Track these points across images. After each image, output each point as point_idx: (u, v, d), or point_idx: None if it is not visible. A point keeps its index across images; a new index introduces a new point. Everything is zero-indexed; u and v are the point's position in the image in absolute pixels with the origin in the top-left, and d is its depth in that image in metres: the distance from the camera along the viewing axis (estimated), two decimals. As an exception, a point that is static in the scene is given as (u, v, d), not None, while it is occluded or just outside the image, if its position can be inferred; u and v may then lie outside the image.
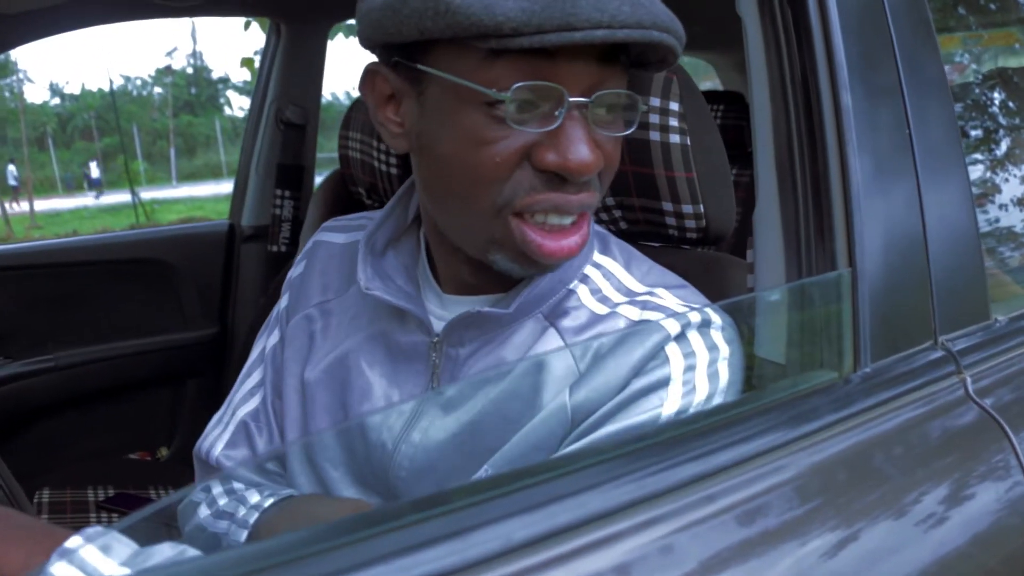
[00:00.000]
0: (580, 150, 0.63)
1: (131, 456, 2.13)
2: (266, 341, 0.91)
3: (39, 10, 1.51)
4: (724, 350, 0.70)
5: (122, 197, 18.28)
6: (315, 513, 0.76)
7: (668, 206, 1.00)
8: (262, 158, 2.15)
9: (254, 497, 0.84)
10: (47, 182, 23.37)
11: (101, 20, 1.79)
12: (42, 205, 19.41)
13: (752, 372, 0.73)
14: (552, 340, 0.73)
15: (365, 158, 1.57)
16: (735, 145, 2.31)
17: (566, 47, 0.60)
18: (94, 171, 21.65)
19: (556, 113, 0.63)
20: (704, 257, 1.02)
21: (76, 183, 24.58)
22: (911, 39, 0.80)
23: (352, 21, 2.38)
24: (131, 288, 2.06)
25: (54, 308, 1.97)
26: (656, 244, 1.09)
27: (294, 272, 0.92)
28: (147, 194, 18.40)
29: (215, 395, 2.16)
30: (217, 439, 0.90)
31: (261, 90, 2.14)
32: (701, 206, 0.99)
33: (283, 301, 0.91)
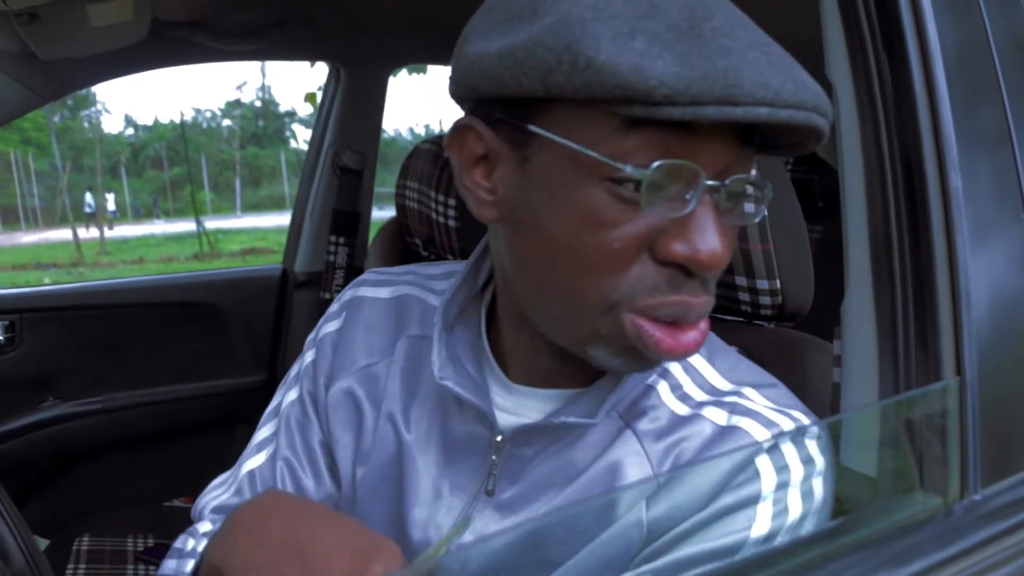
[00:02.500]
0: (712, 240, 0.54)
1: (175, 502, 2.10)
2: (283, 396, 0.83)
3: (104, 54, 1.51)
4: (819, 463, 0.61)
5: (188, 226, 18.73)
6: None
7: (742, 281, 0.93)
8: (317, 203, 2.13)
9: (204, 527, 0.78)
10: (118, 209, 24.07)
11: (164, 64, 1.79)
12: (112, 232, 19.99)
13: (841, 485, 0.65)
14: (629, 444, 0.65)
15: (423, 208, 1.52)
16: (804, 200, 2.22)
17: (711, 124, 0.52)
18: (111, 203, 22.10)
19: (687, 196, 0.53)
20: (781, 337, 0.94)
21: (146, 211, 25.30)
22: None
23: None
24: (182, 331, 2.04)
25: (105, 350, 1.97)
26: (728, 318, 1.01)
27: (327, 327, 0.82)
28: (212, 223, 18.84)
29: (262, 442, 2.12)
30: (215, 498, 0.83)
31: (319, 134, 2.12)
32: (778, 281, 0.91)
33: (309, 356, 0.82)
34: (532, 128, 0.56)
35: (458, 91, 0.60)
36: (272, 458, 0.81)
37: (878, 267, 0.66)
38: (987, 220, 0.66)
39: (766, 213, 0.89)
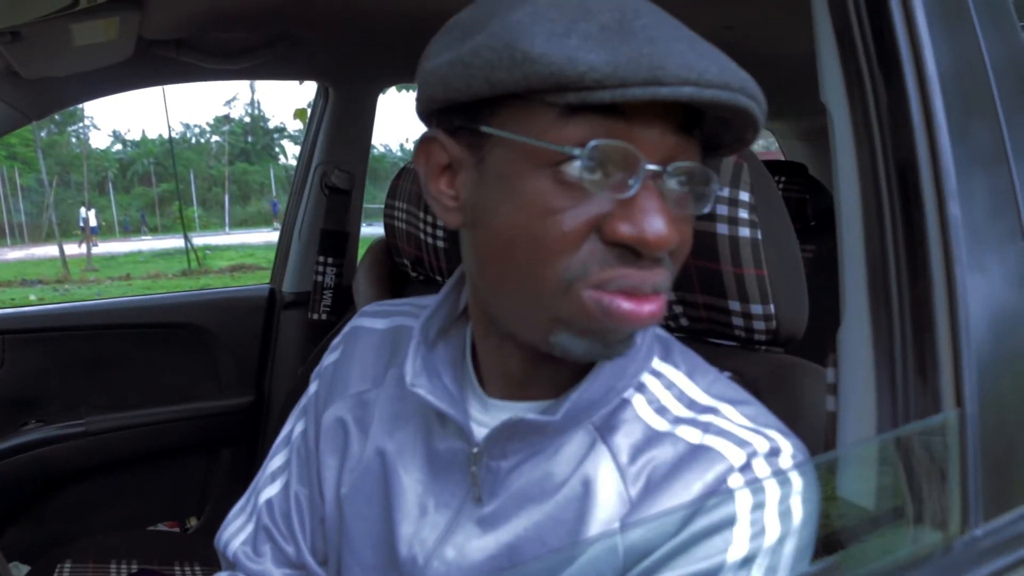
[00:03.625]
0: (656, 222, 0.56)
1: (160, 526, 2.07)
2: (293, 425, 0.88)
3: (89, 72, 1.50)
4: (796, 482, 0.61)
5: (176, 242, 18.68)
6: None
7: (735, 305, 0.91)
8: (305, 223, 2.12)
9: None
10: (106, 226, 24.00)
11: (150, 83, 1.79)
12: (99, 248, 19.91)
13: (832, 515, 0.63)
14: (601, 457, 0.66)
15: (411, 229, 1.51)
16: (798, 219, 2.23)
17: (644, 110, 0.56)
18: (92, 219, 22.05)
19: (630, 182, 0.57)
20: (775, 362, 0.92)
21: (133, 227, 25.23)
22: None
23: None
24: (167, 353, 2.02)
25: (88, 371, 1.95)
26: (721, 343, 1.00)
27: (328, 359, 0.86)
28: (200, 239, 18.80)
29: (249, 465, 2.10)
30: (238, 531, 0.87)
31: (307, 153, 2.11)
32: (772, 306, 0.90)
33: (312, 387, 0.86)
34: (484, 128, 0.60)
35: (420, 107, 0.65)
36: (286, 488, 0.85)
37: (875, 296, 0.65)
38: (986, 246, 0.65)
39: (760, 237, 0.88)
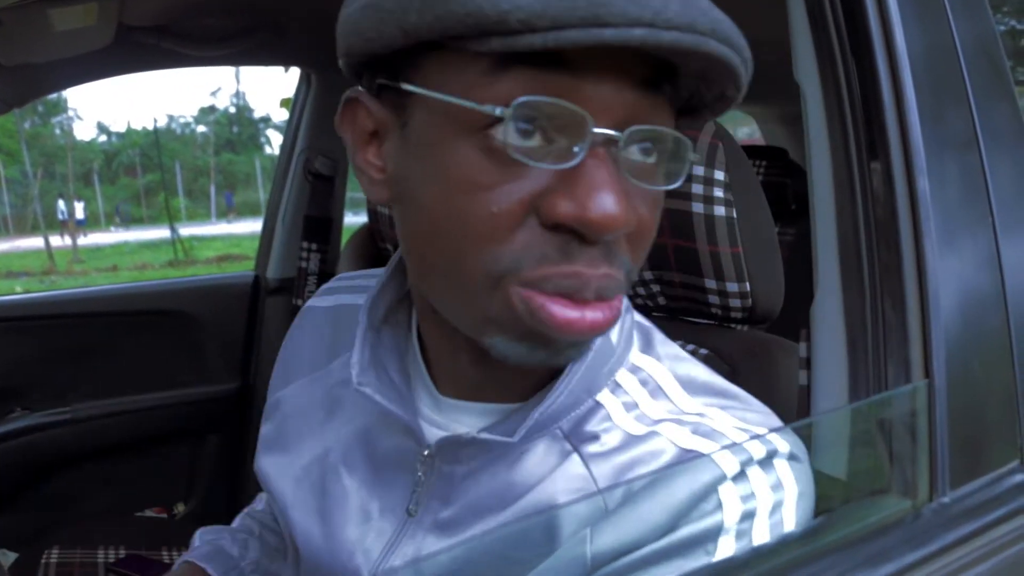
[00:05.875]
0: (604, 198, 0.45)
1: (147, 512, 2.07)
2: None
3: (69, 59, 1.49)
4: (792, 488, 0.54)
5: (162, 233, 18.57)
6: None
7: (711, 283, 0.93)
8: (289, 209, 2.11)
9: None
10: (91, 217, 23.84)
11: (131, 69, 1.77)
12: (86, 239, 19.78)
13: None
14: (574, 468, 0.57)
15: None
16: (777, 203, 2.24)
17: (596, 61, 0.45)
18: (79, 211, 21.89)
19: (575, 149, 0.46)
20: (750, 339, 0.94)
21: (107, 218, 25.01)
22: (995, 117, 0.72)
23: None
24: (152, 340, 2.01)
25: (73, 359, 1.94)
26: (698, 321, 1.01)
27: (284, 343, 0.78)
28: (186, 230, 18.70)
29: (236, 451, 2.11)
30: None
31: (290, 140, 2.11)
32: (747, 284, 0.91)
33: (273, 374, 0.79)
34: (405, 86, 0.50)
35: (342, 63, 0.55)
36: None
37: (847, 272, 0.66)
38: (955, 224, 0.66)
39: (735, 216, 0.89)
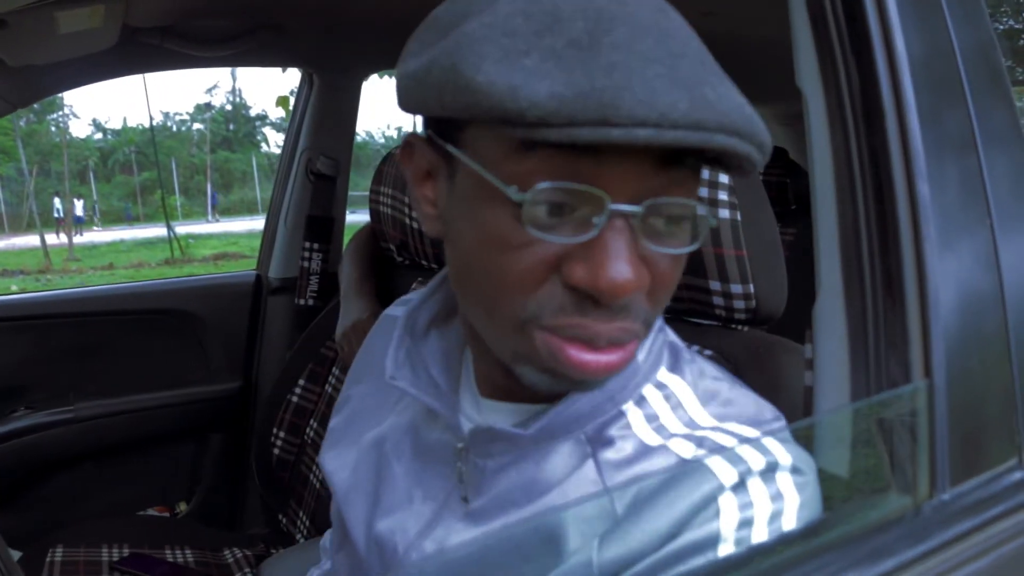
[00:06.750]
0: (615, 268, 0.50)
1: (150, 511, 2.08)
2: None
3: (73, 60, 1.50)
4: (793, 499, 0.57)
5: (158, 231, 18.55)
6: None
7: (716, 285, 0.94)
8: (291, 209, 2.12)
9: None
10: (87, 215, 23.78)
11: (135, 70, 1.78)
12: (82, 237, 19.74)
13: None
14: (588, 470, 0.62)
15: (396, 214, 1.53)
16: (778, 202, 2.26)
17: (612, 146, 0.49)
18: (78, 209, 21.88)
19: (594, 221, 0.51)
20: (755, 340, 0.95)
21: (87, 218, 24.94)
22: (993, 119, 0.73)
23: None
24: (155, 339, 2.03)
25: (76, 359, 1.95)
26: (702, 322, 1.02)
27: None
28: (182, 229, 18.68)
29: (238, 450, 2.12)
30: None
31: (292, 140, 2.12)
32: (751, 286, 0.92)
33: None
34: (449, 147, 0.56)
35: (400, 107, 0.60)
36: None
37: (848, 273, 0.67)
38: (954, 226, 0.67)
39: (739, 218, 0.91)
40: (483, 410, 0.68)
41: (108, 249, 17.68)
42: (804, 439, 0.61)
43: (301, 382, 1.76)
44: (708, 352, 0.94)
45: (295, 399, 1.76)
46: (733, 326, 0.99)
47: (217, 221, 23.82)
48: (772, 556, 0.53)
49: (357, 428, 0.80)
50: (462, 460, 0.67)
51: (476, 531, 0.64)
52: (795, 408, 0.84)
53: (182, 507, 2.12)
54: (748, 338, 0.96)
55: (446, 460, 0.69)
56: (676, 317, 1.03)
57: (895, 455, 0.63)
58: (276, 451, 1.77)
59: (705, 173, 0.91)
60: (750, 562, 0.52)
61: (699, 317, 1.01)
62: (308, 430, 1.75)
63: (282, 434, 1.76)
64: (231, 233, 19.12)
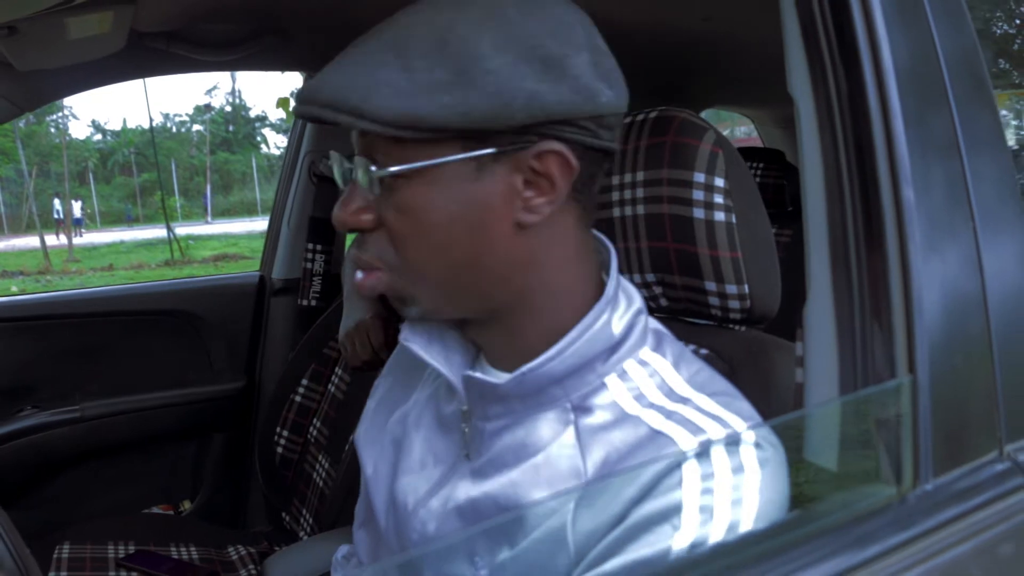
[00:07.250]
0: (336, 206, 0.69)
1: (155, 509, 2.11)
2: None
3: (80, 64, 1.52)
4: (754, 473, 0.60)
5: (158, 232, 18.55)
6: None
7: (711, 286, 0.96)
8: (294, 211, 2.15)
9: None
10: (86, 216, 23.77)
11: (141, 74, 1.80)
12: (81, 239, 19.73)
13: (803, 478, 0.68)
14: (568, 435, 0.68)
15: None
16: (775, 204, 2.28)
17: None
18: (77, 210, 21.90)
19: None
20: (750, 339, 0.97)
21: (88, 221, 24.91)
22: (976, 125, 0.75)
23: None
24: (159, 340, 2.05)
25: (81, 359, 1.97)
26: (698, 321, 1.05)
27: None
28: (182, 230, 18.68)
29: (241, 449, 2.14)
30: None
31: (295, 142, 2.14)
32: (746, 287, 0.95)
33: None
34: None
35: None
36: None
37: (837, 274, 0.70)
38: (938, 228, 0.70)
39: (734, 221, 0.93)
40: (488, 375, 0.74)
41: (108, 250, 17.69)
42: (794, 432, 0.64)
43: (304, 382, 1.78)
44: (704, 351, 0.96)
45: (298, 398, 1.79)
46: (728, 325, 1.01)
47: (210, 223, 23.80)
48: (763, 542, 0.56)
49: (389, 403, 0.88)
50: (466, 422, 0.74)
51: (477, 487, 0.71)
52: (787, 404, 0.86)
53: (186, 505, 2.14)
54: (743, 337, 0.98)
55: (456, 427, 0.77)
56: (673, 316, 1.06)
57: (881, 447, 0.66)
58: (279, 450, 1.79)
59: (700, 176, 0.94)
60: (743, 547, 0.55)
61: (695, 316, 1.04)
62: (311, 429, 1.78)
63: (285, 433, 1.79)
64: (231, 234, 19.12)
